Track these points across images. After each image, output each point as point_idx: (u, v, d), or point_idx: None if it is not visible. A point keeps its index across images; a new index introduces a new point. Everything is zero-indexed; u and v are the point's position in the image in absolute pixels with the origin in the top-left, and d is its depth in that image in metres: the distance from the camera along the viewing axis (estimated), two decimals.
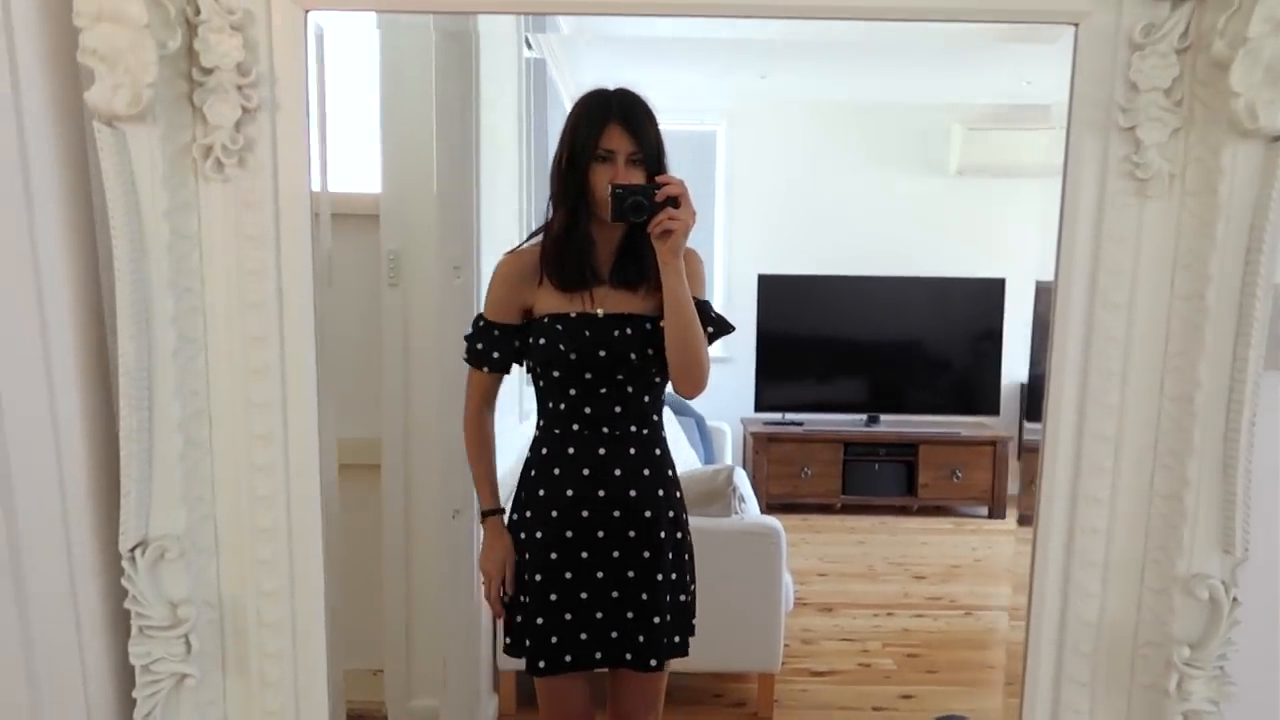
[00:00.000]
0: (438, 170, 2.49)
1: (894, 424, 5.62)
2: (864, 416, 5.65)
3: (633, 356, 1.62)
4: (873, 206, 5.80)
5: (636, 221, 1.53)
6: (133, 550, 0.96)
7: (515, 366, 1.75)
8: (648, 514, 1.68)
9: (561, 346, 1.62)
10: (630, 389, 1.66)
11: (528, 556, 1.69)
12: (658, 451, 1.71)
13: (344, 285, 2.77)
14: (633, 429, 1.68)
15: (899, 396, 5.68)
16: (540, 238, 1.69)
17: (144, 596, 0.96)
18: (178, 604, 0.98)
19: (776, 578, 2.93)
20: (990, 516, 5.43)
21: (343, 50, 2.69)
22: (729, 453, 5.04)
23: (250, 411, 1.01)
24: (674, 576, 1.71)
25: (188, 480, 0.98)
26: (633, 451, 1.68)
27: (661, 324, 1.61)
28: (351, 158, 2.76)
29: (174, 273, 0.96)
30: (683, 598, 1.74)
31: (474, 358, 1.72)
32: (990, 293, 5.49)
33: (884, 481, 5.50)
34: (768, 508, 4.85)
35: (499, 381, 1.76)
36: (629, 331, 1.63)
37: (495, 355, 1.70)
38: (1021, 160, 5.42)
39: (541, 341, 1.64)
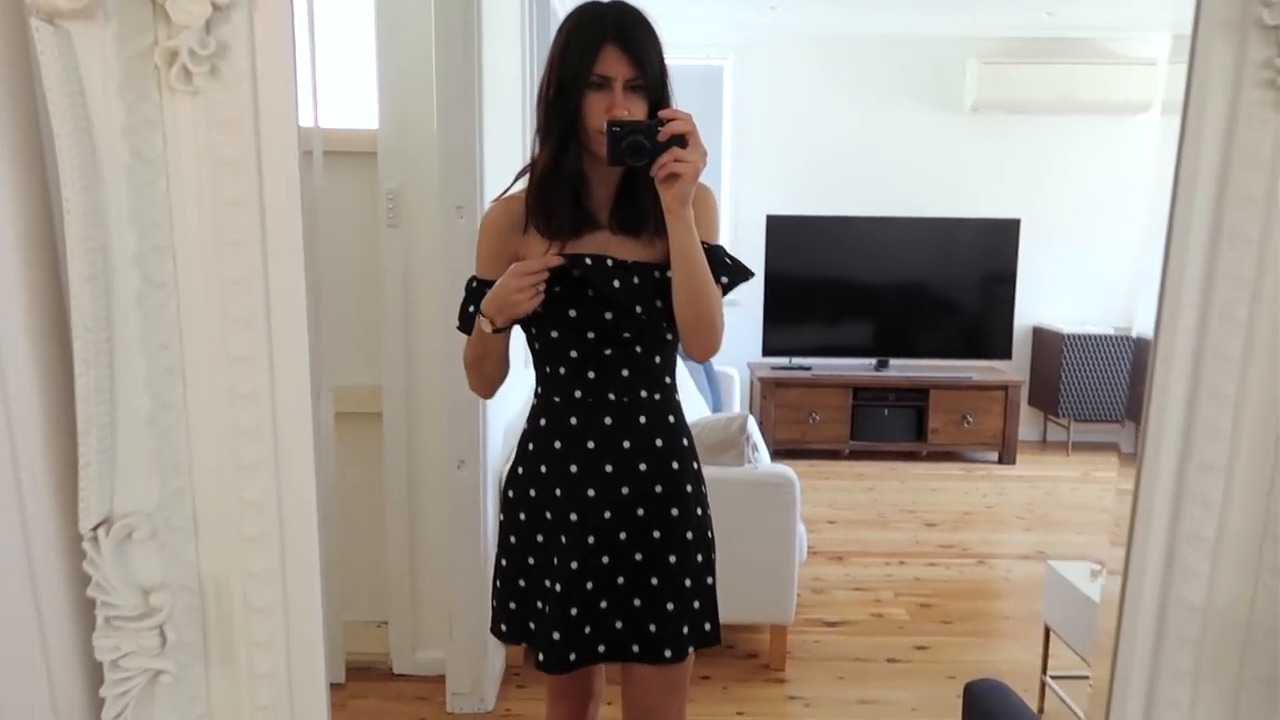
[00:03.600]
0: (438, 105, 2.35)
1: (903, 368, 5.53)
2: (873, 360, 5.56)
3: (639, 310, 1.41)
4: (884, 144, 5.63)
5: (636, 165, 1.31)
6: (95, 529, 0.82)
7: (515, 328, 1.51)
8: (658, 489, 1.48)
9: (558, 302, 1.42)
10: (639, 348, 1.46)
11: (540, 539, 1.51)
12: (671, 419, 1.51)
13: (341, 226, 2.66)
14: (643, 394, 1.48)
15: (909, 340, 5.57)
16: (526, 179, 1.46)
17: (109, 583, 0.82)
18: (150, 590, 0.84)
19: (790, 528, 2.86)
20: (1000, 462, 5.38)
21: None
22: (736, 398, 4.96)
23: (231, 367, 0.86)
24: (699, 558, 1.53)
25: (159, 448, 0.84)
26: (643, 420, 1.48)
27: (670, 274, 1.39)
28: (347, 92, 2.61)
29: (135, 203, 0.80)
30: (707, 579, 1.54)
31: (465, 323, 1.51)
32: (1004, 233, 5.37)
33: (893, 427, 5.41)
34: (775, 454, 4.77)
35: (503, 344, 1.52)
36: (635, 281, 1.41)
37: None
38: (1040, 96, 5.24)
39: None
